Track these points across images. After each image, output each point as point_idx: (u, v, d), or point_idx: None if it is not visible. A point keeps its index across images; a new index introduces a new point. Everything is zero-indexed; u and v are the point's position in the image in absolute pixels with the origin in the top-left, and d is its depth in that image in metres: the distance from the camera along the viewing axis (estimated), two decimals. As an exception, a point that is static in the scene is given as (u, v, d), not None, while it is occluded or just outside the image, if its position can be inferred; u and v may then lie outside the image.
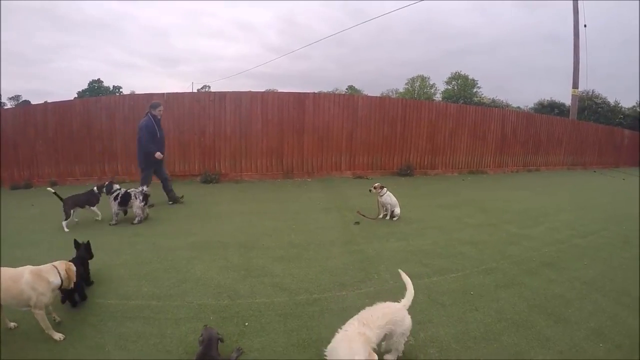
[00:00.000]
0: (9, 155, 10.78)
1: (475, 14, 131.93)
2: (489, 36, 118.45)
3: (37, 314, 2.97)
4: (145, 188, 6.69)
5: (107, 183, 6.73)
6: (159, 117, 7.43)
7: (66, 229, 6.21)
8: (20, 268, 3.04)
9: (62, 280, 3.13)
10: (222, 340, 2.83)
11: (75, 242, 4.12)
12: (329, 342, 2.34)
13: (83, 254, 4.04)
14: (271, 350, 2.96)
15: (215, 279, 4.22)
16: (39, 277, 3.00)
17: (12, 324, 3.18)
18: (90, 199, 6.68)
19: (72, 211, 6.38)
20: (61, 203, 6.31)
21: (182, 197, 8.04)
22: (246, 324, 3.32)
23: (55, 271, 3.12)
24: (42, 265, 3.12)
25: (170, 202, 7.85)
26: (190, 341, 3.04)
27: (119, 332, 3.18)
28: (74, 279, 3.26)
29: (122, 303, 3.69)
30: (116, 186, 6.68)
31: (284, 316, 3.47)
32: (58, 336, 3.04)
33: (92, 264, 4.08)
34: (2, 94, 62.24)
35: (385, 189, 6.82)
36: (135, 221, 6.50)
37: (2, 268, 2.96)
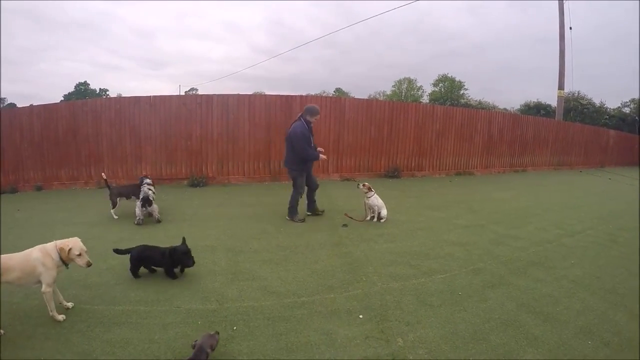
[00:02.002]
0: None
1: (464, 15, 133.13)
2: (478, 38, 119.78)
3: (46, 292, 3.27)
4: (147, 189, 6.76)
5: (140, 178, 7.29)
6: (312, 124, 6.78)
7: (115, 216, 6.96)
8: (29, 249, 3.35)
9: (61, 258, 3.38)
10: (212, 349, 2.80)
11: (183, 239, 4.45)
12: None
13: (173, 247, 4.34)
14: (260, 354, 2.94)
15: (203, 283, 4.19)
16: (46, 254, 3.30)
17: (1, 331, 3.14)
18: (135, 191, 6.98)
19: (117, 199, 7.04)
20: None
21: (323, 211, 7.38)
22: (234, 328, 3.29)
23: (56, 249, 3.36)
24: (47, 244, 3.38)
25: (309, 213, 7.29)
26: (178, 346, 3.01)
27: (107, 338, 3.14)
28: (67, 258, 3.39)
29: (109, 308, 3.64)
30: (147, 180, 7.02)
31: (273, 320, 3.45)
32: (61, 317, 3.37)
33: (79, 270, 3.99)
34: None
35: (373, 191, 6.81)
36: (135, 221, 6.62)
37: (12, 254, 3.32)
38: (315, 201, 7.27)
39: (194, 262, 4.37)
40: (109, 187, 7.16)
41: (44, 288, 3.25)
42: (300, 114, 6.69)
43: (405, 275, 4.45)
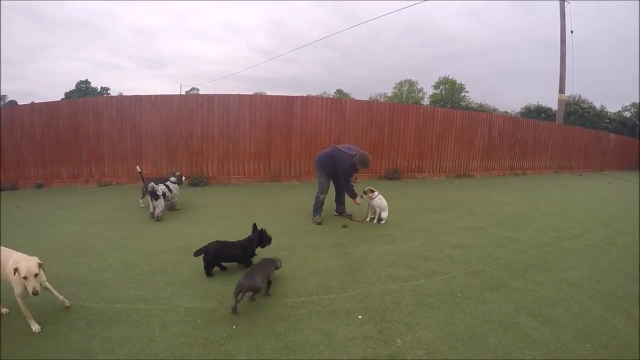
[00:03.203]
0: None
1: (466, 18, 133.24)
2: (479, 41, 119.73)
3: (17, 297, 3.13)
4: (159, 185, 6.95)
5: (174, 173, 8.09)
6: (356, 169, 6.78)
7: (142, 205, 7.76)
8: (16, 255, 3.25)
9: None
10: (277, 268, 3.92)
11: (254, 226, 4.84)
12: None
13: (251, 237, 4.76)
14: (259, 353, 2.95)
15: (202, 282, 4.20)
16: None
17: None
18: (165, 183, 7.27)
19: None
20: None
21: (351, 215, 7.30)
22: (234, 327, 3.30)
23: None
24: (24, 256, 3.19)
25: (335, 214, 7.44)
26: (177, 345, 3.02)
27: (106, 336, 3.15)
28: (27, 274, 2.99)
29: (108, 306, 3.64)
30: (172, 179, 7.53)
31: (272, 319, 3.46)
32: (36, 328, 3.17)
33: (79, 268, 4.02)
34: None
35: (376, 192, 6.82)
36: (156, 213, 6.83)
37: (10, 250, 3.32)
38: (342, 204, 7.38)
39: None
40: (143, 179, 7.76)
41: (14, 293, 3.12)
42: (355, 154, 6.68)
43: (404, 277, 4.46)
